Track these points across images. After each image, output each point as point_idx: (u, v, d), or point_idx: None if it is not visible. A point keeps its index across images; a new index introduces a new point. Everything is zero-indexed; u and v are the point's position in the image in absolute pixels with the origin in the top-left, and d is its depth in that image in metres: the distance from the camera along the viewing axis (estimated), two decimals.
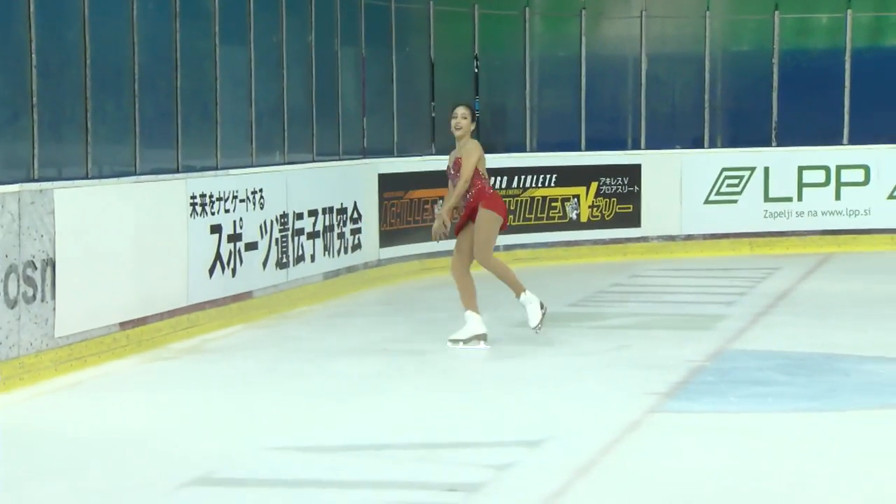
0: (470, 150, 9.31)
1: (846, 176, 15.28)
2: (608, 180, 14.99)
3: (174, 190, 9.73)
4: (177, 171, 10.13)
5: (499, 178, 14.34)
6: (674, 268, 14.03)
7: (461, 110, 9.34)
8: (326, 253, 11.91)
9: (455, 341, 9.29)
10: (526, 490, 5.85)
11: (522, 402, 7.70)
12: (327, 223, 11.95)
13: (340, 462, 6.39)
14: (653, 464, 6.28)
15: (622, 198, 15.03)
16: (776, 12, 15.79)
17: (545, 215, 14.70)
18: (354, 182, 12.65)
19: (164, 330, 9.48)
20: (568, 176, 14.83)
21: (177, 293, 9.67)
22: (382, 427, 7.07)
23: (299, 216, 11.43)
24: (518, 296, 9.32)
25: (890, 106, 15.73)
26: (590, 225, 14.90)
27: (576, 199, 14.84)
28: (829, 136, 15.61)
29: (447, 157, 14.48)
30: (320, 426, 7.15)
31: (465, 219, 9.41)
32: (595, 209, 14.92)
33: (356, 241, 12.53)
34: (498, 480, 6.01)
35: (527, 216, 14.56)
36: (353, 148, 13.12)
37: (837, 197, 15.27)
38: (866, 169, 15.30)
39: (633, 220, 15.05)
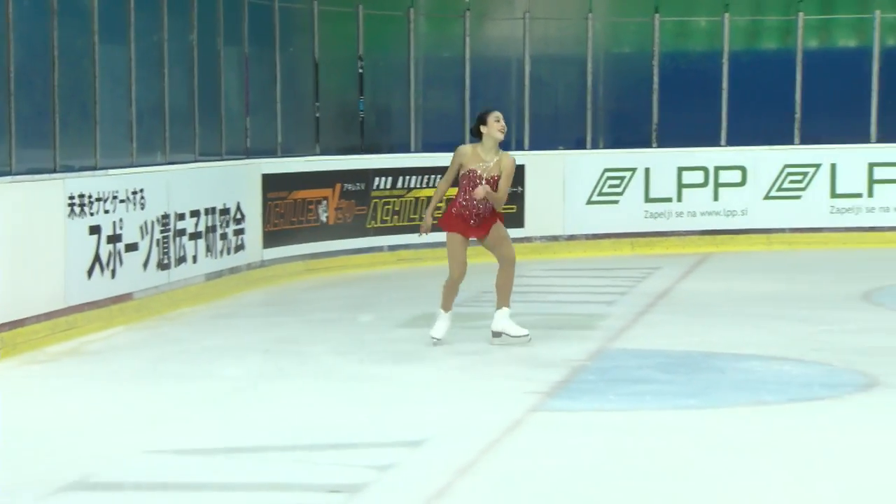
0: (511, 167, 9.20)
1: (724, 177, 15.56)
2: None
3: (52, 190, 9.56)
4: (54, 170, 9.96)
5: (384, 179, 14.35)
6: (556, 268, 14.16)
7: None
8: (209, 254, 11.80)
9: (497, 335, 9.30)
10: (408, 490, 5.86)
11: (404, 403, 7.72)
12: (210, 224, 11.84)
13: (220, 464, 6.35)
14: (534, 462, 6.33)
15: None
16: (656, 15, 16.02)
17: None
18: (237, 182, 12.55)
19: (42, 332, 9.32)
20: None
21: (54, 295, 9.51)
22: (263, 429, 7.03)
23: (181, 217, 11.31)
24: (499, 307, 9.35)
25: (766, 108, 16.06)
26: None
27: None
28: (708, 138, 15.88)
29: (331, 157, 14.41)
30: (200, 428, 7.09)
31: (487, 230, 9.29)
32: None
33: (239, 242, 12.44)
34: (380, 481, 6.01)
35: (411, 217, 14.58)
36: (236, 148, 13.02)
37: (715, 198, 15.54)
38: (743, 170, 15.60)
39: (517, 220, 15.15)
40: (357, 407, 7.60)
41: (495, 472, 6.21)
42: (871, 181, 15.46)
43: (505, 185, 9.19)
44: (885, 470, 6.17)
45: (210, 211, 11.86)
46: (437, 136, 15.59)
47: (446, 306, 9.39)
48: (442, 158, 15.01)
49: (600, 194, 15.45)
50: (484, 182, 9.17)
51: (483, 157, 9.24)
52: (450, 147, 15.53)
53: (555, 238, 15.35)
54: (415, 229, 14.71)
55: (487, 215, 9.30)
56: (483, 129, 9.26)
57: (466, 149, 9.31)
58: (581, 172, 15.44)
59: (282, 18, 13.77)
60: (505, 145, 15.73)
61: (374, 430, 7.00)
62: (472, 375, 8.48)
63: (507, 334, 9.31)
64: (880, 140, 15.81)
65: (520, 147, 15.73)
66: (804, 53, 16.01)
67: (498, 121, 9.26)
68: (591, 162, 15.59)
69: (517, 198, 15.15)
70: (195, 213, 11.57)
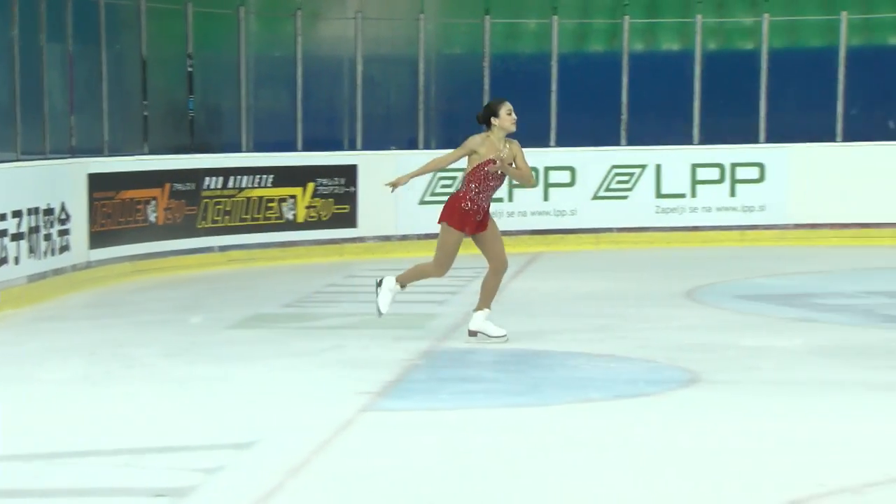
0: (521, 149, 9.19)
1: (553, 177, 15.78)
2: (325, 181, 15.02)
3: None
4: None
5: (214, 179, 14.18)
6: (390, 268, 14.10)
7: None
8: (32, 255, 11.50)
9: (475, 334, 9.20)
10: (236, 492, 5.80)
11: (234, 405, 7.63)
12: (32, 224, 11.53)
13: (42, 470, 6.18)
14: (364, 462, 6.32)
15: (339, 198, 15.09)
16: (487, 17, 16.16)
17: (262, 216, 14.62)
18: (62, 182, 12.26)
19: None
20: (285, 176, 14.79)
21: None
22: (88, 432, 6.87)
23: (2, 217, 10.99)
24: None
25: (594, 109, 16.35)
26: (307, 225, 14.90)
27: (292, 200, 14.81)
28: (538, 139, 16.09)
29: (160, 156, 14.17)
30: (22, 433, 6.90)
31: (486, 226, 9.17)
32: (312, 210, 14.93)
33: (64, 243, 12.14)
34: (207, 484, 5.93)
35: (243, 217, 14.44)
36: (60, 147, 12.71)
37: (545, 198, 15.75)
38: (572, 170, 15.84)
39: (350, 220, 15.14)
40: (186, 409, 7.48)
41: (325, 472, 6.18)
42: (695, 182, 15.85)
43: (525, 164, 9.16)
44: (708, 464, 6.33)
45: (33, 211, 11.55)
46: (269, 135, 15.48)
47: (404, 282, 9.23)
48: (274, 158, 14.93)
49: (433, 194, 15.51)
50: (500, 172, 9.09)
51: (498, 147, 9.15)
52: (282, 147, 15.52)
53: (387, 238, 15.37)
54: (247, 229, 14.59)
55: (487, 211, 9.23)
56: (495, 120, 9.15)
57: (480, 138, 9.14)
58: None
59: (108, 15, 13.50)
60: (336, 144, 15.82)
61: (202, 433, 6.90)
62: (304, 376, 8.44)
63: (484, 334, 9.22)
64: (703, 142, 16.22)
65: (352, 147, 15.72)
66: (630, 56, 16.35)
67: (510, 113, 9.17)
68: (423, 162, 15.59)
69: (350, 197, 15.13)
70: (17, 214, 11.25)
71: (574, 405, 7.60)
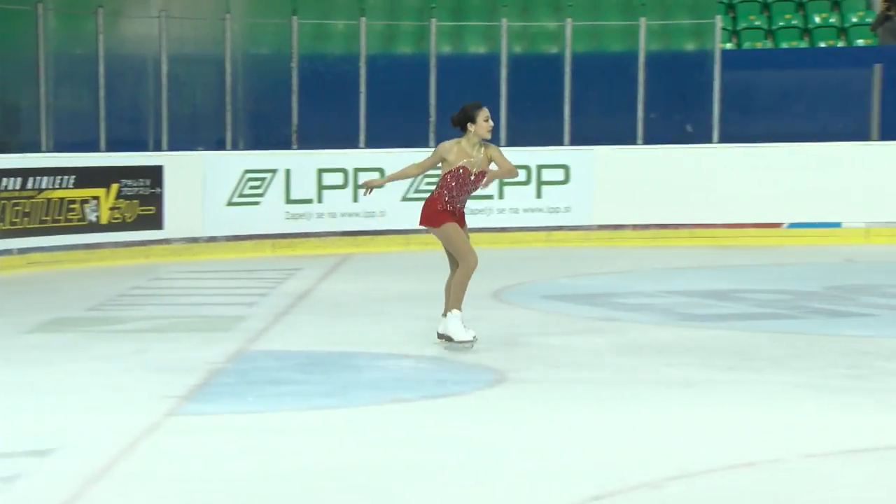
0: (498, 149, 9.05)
1: (363, 179, 15.76)
2: (129, 182, 14.72)
3: None
4: None
5: (12, 180, 13.76)
6: (196, 270, 13.98)
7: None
8: None
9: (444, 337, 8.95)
10: (33, 500, 5.63)
11: (34, 411, 7.41)
12: None
13: None
14: (169, 467, 6.22)
15: (144, 199, 14.80)
16: (294, 17, 16.08)
17: (63, 217, 14.24)
18: None
19: None
20: (87, 177, 14.43)
21: None
22: None
23: None
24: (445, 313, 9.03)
25: (403, 111, 16.41)
26: (111, 227, 14.58)
27: (95, 201, 14.47)
28: (347, 140, 16.08)
29: None
30: None
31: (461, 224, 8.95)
32: (116, 211, 14.62)
33: None
34: (4, 493, 5.75)
35: (43, 218, 14.04)
36: None
37: (355, 199, 15.75)
38: (381, 172, 15.72)
39: (155, 221, 14.87)
40: None
41: (128, 478, 6.05)
42: (502, 183, 16.03)
43: (506, 161, 9.06)
44: (512, 461, 6.41)
45: None
46: (70, 135, 15.09)
47: (457, 305, 8.88)
48: (76, 159, 14.55)
49: (241, 195, 15.37)
50: (473, 178, 8.95)
51: (469, 153, 8.98)
52: (84, 147, 15.14)
53: (194, 239, 15.15)
54: (48, 231, 14.18)
55: (462, 212, 9.07)
56: (471, 126, 8.98)
57: (450, 144, 8.98)
58: (221, 173, 15.31)
59: None
60: (141, 145, 15.51)
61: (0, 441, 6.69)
62: (107, 380, 8.24)
63: (446, 336, 8.98)
64: (510, 144, 16.33)
65: (157, 147, 15.44)
66: (438, 59, 16.46)
67: (487, 120, 9.02)
68: (231, 163, 15.48)
69: (155, 199, 14.87)
70: None
71: (383, 406, 7.61)
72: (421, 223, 9.18)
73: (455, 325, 8.87)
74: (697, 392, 7.92)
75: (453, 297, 8.91)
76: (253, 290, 12.42)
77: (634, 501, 5.70)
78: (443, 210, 9.00)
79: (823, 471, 6.17)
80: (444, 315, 9.10)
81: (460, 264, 8.92)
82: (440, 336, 9.07)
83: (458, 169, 8.97)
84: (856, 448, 6.51)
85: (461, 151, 9.00)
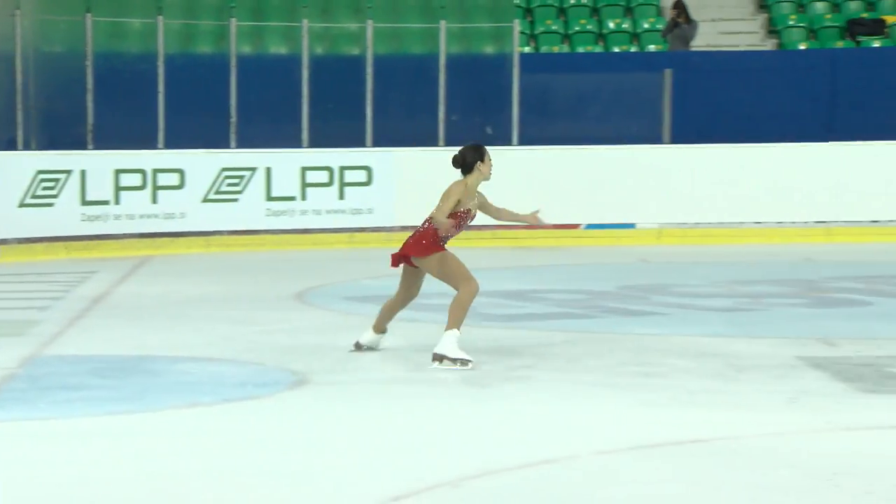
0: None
1: (162, 179, 15.53)
2: None
3: None
4: None
5: None
6: None
7: None
8: None
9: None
10: None
11: None
12: None
13: None
14: None
15: None
16: (88, 15, 15.71)
17: None
18: None
19: None
20: None
21: None
22: None
23: None
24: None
25: (203, 111, 16.20)
26: None
27: None
28: (145, 140, 15.80)
29: None
30: None
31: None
32: None
33: None
34: None
35: None
36: None
37: (154, 200, 15.48)
38: (181, 173, 15.63)
39: None
40: None
41: None
42: (304, 185, 15.99)
43: (492, 205, 9.06)
44: (313, 463, 6.39)
45: None
46: None
47: (457, 325, 8.58)
48: None
49: (34, 196, 14.95)
50: (471, 220, 8.92)
51: (473, 194, 8.86)
52: None
53: None
54: None
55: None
56: (481, 166, 8.83)
57: (461, 186, 8.78)
58: (12, 174, 14.87)
59: None
60: None
61: None
62: None
63: (441, 355, 8.61)
64: (312, 145, 16.39)
65: None
66: (238, 59, 16.31)
67: (491, 160, 8.90)
68: (23, 163, 15.05)
69: None
70: None
71: (182, 410, 7.50)
72: (412, 254, 8.91)
73: (451, 343, 8.66)
74: (496, 391, 8.02)
75: (454, 318, 8.67)
76: (46, 294, 12.10)
77: (433, 500, 5.75)
78: (434, 243, 8.86)
79: (617, 466, 6.32)
80: (374, 333, 9.08)
81: (463, 287, 8.73)
82: (435, 357, 8.67)
83: (465, 211, 8.87)
84: (649, 443, 6.69)
85: (468, 192, 8.91)
